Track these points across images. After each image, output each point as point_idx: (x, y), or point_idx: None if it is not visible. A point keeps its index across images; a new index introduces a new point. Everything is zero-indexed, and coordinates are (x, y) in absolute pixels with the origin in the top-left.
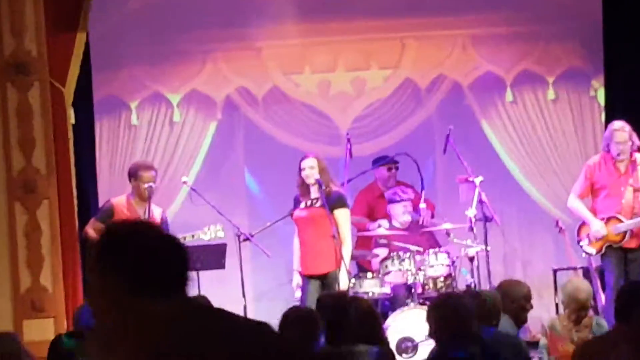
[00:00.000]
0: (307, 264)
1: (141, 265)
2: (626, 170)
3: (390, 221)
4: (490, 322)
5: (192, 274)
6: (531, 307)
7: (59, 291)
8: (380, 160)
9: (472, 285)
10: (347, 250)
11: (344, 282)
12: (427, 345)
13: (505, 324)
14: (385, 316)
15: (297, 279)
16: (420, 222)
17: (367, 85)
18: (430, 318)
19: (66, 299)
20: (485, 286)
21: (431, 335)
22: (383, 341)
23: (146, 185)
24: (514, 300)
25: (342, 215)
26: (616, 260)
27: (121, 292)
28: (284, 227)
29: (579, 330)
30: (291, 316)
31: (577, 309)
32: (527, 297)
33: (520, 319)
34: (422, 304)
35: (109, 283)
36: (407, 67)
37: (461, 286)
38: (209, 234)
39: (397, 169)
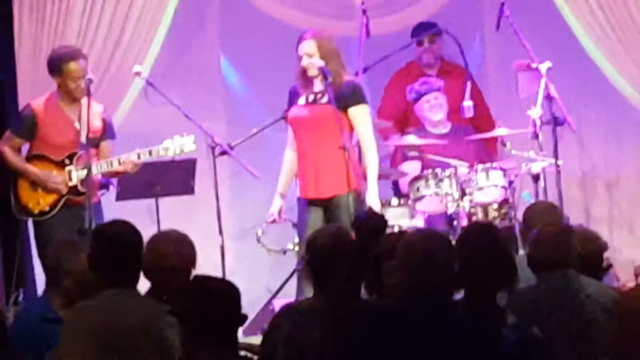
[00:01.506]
0: (307, 184)
1: None
2: None
3: (422, 128)
4: None
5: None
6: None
7: None
8: (418, 30)
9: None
10: (372, 159)
11: (372, 205)
12: None
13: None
14: None
15: (277, 205)
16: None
17: None
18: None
19: None
20: None
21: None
22: None
23: (77, 83)
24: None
25: (360, 114)
26: None
27: None
28: (277, 135)
29: None
30: None
31: None
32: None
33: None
34: None
35: None
36: None
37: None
38: (172, 148)
39: (433, 42)
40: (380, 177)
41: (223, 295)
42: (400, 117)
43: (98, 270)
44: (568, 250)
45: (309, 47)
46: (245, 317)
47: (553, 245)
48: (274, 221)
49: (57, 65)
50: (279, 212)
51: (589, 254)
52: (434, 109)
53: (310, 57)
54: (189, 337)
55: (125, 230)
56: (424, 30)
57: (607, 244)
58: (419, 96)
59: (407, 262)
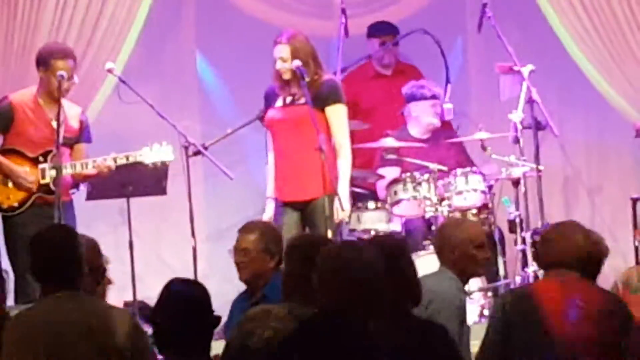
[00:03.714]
0: (284, 186)
1: None
2: None
3: (404, 128)
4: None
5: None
6: (485, 256)
7: None
8: (373, 29)
9: (517, 220)
10: (345, 162)
11: (341, 211)
12: None
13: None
14: None
15: (271, 210)
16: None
17: None
18: None
19: None
20: (535, 222)
21: None
22: None
23: (57, 76)
24: (454, 247)
25: (337, 114)
26: None
27: None
28: (252, 136)
29: None
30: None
31: None
32: (475, 241)
33: (466, 274)
34: None
35: None
36: None
37: (502, 221)
38: (150, 155)
39: (395, 44)
40: (356, 179)
41: (192, 298)
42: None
43: (39, 277)
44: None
45: (283, 51)
46: (219, 319)
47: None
48: None
49: (46, 59)
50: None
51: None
52: (436, 116)
53: (285, 61)
54: (163, 342)
55: (61, 235)
56: (388, 31)
57: (609, 250)
58: (417, 97)
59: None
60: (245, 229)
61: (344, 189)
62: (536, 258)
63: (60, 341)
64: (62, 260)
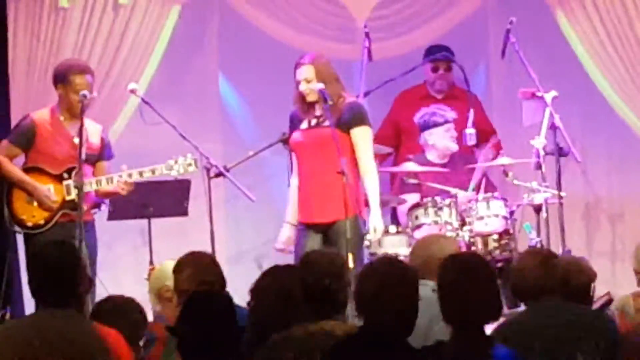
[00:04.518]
0: (307, 208)
1: None
2: None
3: (422, 155)
4: None
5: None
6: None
7: None
8: (430, 52)
9: (538, 246)
10: (372, 181)
11: (375, 228)
12: None
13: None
14: None
15: (286, 234)
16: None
17: None
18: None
19: None
20: (556, 248)
21: None
22: None
23: (80, 95)
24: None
25: (361, 135)
26: None
27: None
28: (274, 158)
29: None
30: None
31: None
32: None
33: None
34: None
35: None
36: None
37: (522, 247)
38: (175, 168)
39: (449, 69)
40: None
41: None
42: (395, 135)
43: (33, 292)
44: (552, 276)
45: (307, 72)
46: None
47: (537, 272)
48: (282, 250)
49: (64, 75)
50: (284, 242)
51: (578, 283)
52: (449, 139)
53: (309, 82)
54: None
55: (57, 252)
56: (439, 53)
57: (596, 274)
58: (430, 125)
59: (360, 291)
60: (176, 269)
61: (375, 209)
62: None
63: (39, 354)
64: (57, 278)
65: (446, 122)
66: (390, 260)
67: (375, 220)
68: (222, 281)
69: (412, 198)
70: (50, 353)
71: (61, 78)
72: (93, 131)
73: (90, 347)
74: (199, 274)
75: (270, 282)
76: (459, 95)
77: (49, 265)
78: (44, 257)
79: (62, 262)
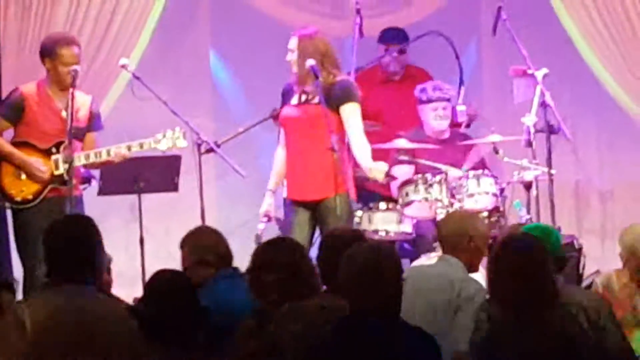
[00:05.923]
0: (296, 185)
1: None
2: None
3: (420, 129)
4: None
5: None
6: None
7: None
8: (381, 36)
9: (528, 223)
10: (365, 153)
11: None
12: None
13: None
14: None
15: (268, 203)
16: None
17: None
18: None
19: None
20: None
21: None
22: None
23: (68, 69)
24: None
25: (351, 112)
26: None
27: None
28: (265, 134)
29: None
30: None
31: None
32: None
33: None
34: None
35: None
36: None
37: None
38: (164, 142)
39: (401, 52)
40: (368, 179)
41: (175, 288)
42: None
43: (52, 266)
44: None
45: (291, 43)
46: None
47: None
48: (269, 219)
49: (50, 48)
50: (266, 212)
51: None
52: (439, 119)
53: (292, 52)
54: (148, 331)
55: (77, 226)
56: (395, 39)
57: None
58: (428, 101)
59: (347, 274)
60: (181, 245)
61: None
62: None
63: (70, 335)
64: (73, 253)
65: (429, 100)
66: (371, 246)
67: (374, 164)
68: (226, 258)
69: (405, 170)
70: (90, 337)
71: (49, 52)
72: (82, 102)
73: (97, 327)
74: (196, 253)
75: (278, 256)
76: (417, 74)
77: (68, 240)
78: (62, 232)
79: (82, 236)
